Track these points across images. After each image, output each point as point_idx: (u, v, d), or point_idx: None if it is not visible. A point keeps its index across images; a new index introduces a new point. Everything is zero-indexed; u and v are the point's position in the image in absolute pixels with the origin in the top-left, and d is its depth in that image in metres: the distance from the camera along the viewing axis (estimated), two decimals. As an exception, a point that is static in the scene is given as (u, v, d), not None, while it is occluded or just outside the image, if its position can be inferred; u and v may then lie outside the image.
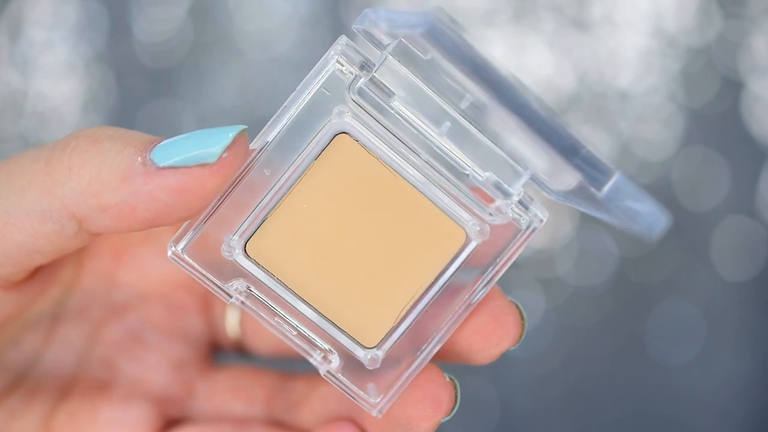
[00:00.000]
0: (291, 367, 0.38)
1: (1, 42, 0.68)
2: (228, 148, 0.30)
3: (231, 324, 0.40)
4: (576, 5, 0.70)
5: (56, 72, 0.68)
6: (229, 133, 0.30)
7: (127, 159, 0.30)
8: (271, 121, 0.32)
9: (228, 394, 0.39)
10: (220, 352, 0.42)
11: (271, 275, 0.33)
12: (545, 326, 0.70)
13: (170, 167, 0.30)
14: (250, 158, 0.32)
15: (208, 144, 0.30)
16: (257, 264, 0.33)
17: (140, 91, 0.69)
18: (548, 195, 0.34)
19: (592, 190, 0.29)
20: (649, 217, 0.29)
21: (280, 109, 0.32)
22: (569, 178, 0.30)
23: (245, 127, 0.31)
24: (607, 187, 0.29)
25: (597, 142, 0.70)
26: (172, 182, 0.30)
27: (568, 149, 0.29)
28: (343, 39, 0.31)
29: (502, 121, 0.30)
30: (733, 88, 0.71)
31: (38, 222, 0.31)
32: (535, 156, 0.31)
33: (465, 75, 0.28)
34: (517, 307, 0.34)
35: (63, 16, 0.68)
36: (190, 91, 0.69)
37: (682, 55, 0.71)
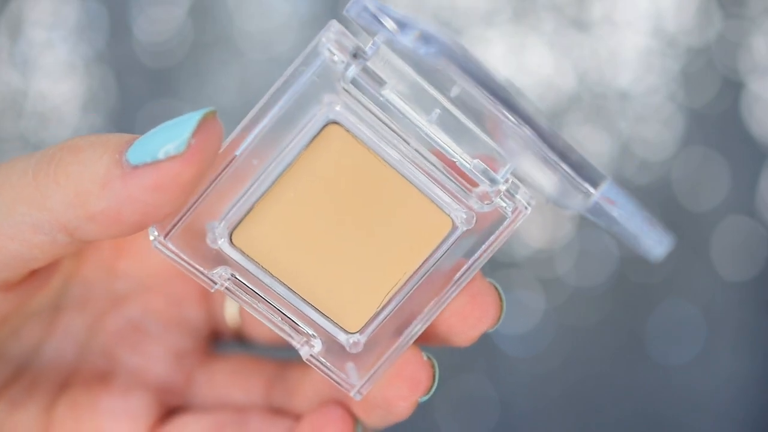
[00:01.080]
0: (289, 355, 0.39)
1: (1, 42, 0.68)
2: (195, 134, 0.29)
3: (230, 313, 0.40)
4: (576, 5, 0.70)
5: (56, 72, 0.68)
6: (195, 118, 0.29)
7: (106, 165, 0.29)
8: (258, 107, 0.31)
9: (227, 383, 0.39)
10: (219, 341, 0.42)
11: (256, 263, 0.33)
12: (545, 326, 0.70)
13: (145, 165, 0.29)
14: (240, 147, 0.31)
15: (176, 134, 0.29)
16: (242, 252, 0.32)
17: (140, 91, 0.69)
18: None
19: (581, 195, 0.29)
20: (652, 237, 0.30)
21: (268, 94, 0.31)
22: (579, 203, 0.30)
23: (212, 109, 0.30)
24: (594, 198, 0.29)
25: (597, 142, 0.70)
26: (149, 180, 0.29)
27: (557, 156, 0.29)
28: (334, 25, 0.30)
29: (514, 143, 0.30)
30: (733, 88, 0.71)
31: (30, 233, 0.31)
32: (545, 178, 0.31)
33: (482, 97, 0.28)
34: (496, 288, 0.34)
35: (63, 16, 0.68)
36: (190, 91, 0.69)
37: (682, 55, 0.71)
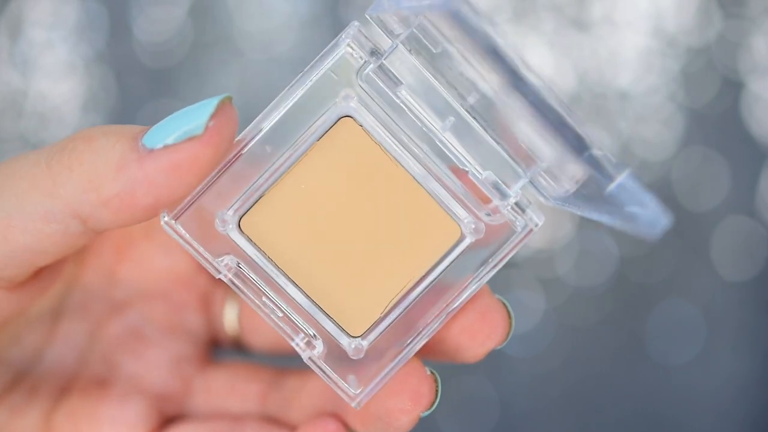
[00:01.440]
0: (288, 363, 0.39)
1: (1, 42, 0.68)
2: (213, 116, 0.30)
3: (229, 320, 0.40)
4: (576, 5, 0.70)
5: (56, 72, 0.68)
6: (212, 102, 0.30)
7: (121, 149, 0.30)
8: (276, 99, 0.32)
9: (224, 391, 0.39)
10: (218, 348, 0.42)
11: (263, 253, 0.33)
12: (545, 326, 0.70)
13: (162, 148, 0.30)
14: (253, 135, 0.32)
15: (194, 117, 0.30)
16: (249, 240, 0.32)
17: (140, 91, 0.69)
18: (546, 201, 0.33)
19: (599, 186, 0.29)
20: (651, 216, 0.29)
21: (287, 88, 0.32)
22: (576, 171, 0.30)
23: (228, 95, 0.31)
24: (615, 184, 0.28)
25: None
26: (166, 162, 0.30)
27: (580, 144, 0.29)
28: (355, 24, 0.31)
29: (516, 108, 0.30)
30: (733, 88, 0.71)
31: (42, 223, 0.31)
32: (546, 146, 0.31)
33: (481, 60, 0.28)
34: (505, 305, 0.34)
35: (63, 16, 0.68)
36: (190, 91, 0.69)
37: (682, 55, 0.71)
